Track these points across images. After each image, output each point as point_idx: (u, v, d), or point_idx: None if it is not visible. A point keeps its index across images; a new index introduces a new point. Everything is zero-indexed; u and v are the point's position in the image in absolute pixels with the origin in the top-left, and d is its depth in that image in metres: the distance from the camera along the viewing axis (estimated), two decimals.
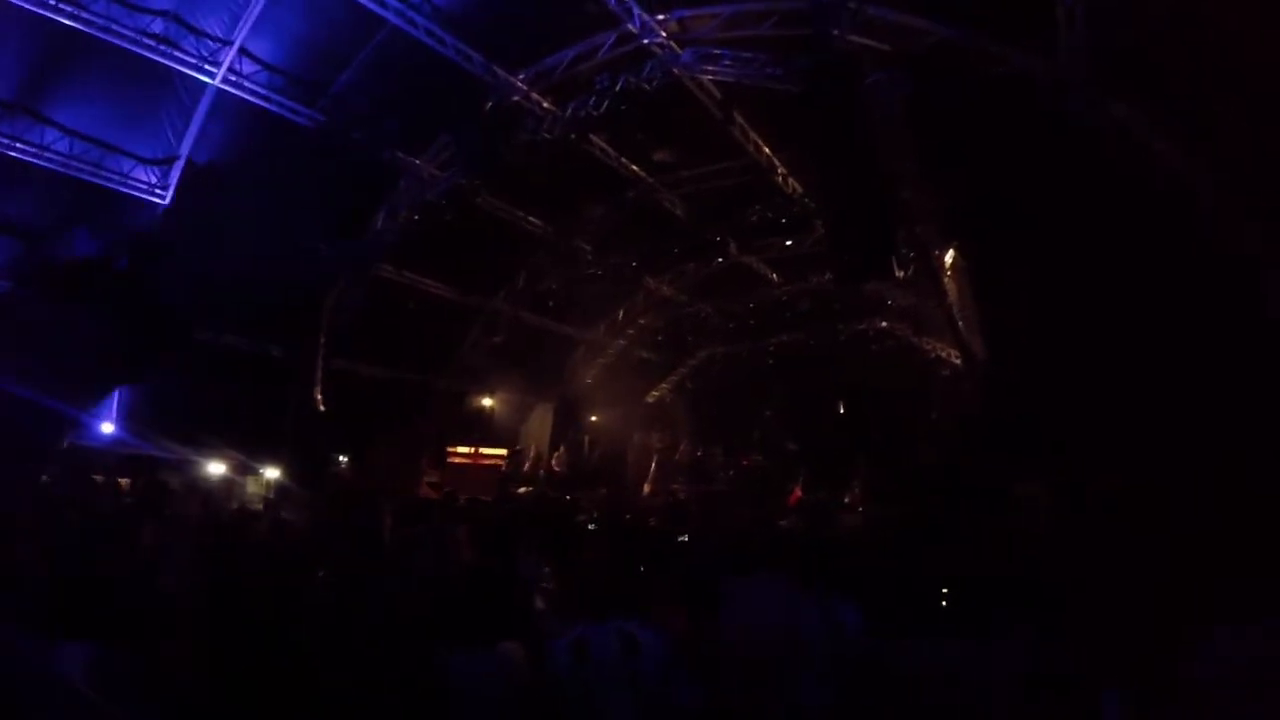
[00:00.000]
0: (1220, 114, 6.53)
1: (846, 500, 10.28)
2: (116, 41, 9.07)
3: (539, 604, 4.09)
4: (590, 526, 6.27)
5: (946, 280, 11.74)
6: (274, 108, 10.48)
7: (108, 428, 12.18)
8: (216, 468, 13.15)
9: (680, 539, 5.45)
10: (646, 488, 13.02)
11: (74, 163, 10.20)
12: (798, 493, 10.81)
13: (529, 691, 2.77)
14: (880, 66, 8.30)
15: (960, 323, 11.21)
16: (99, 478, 11.05)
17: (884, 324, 16.12)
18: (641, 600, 2.96)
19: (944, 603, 4.57)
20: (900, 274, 11.17)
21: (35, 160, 9.86)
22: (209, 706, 2.68)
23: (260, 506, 11.71)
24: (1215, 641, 1.50)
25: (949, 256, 11.65)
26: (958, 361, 12.69)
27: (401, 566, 4.05)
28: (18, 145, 9.65)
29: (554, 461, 15.58)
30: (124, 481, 11.39)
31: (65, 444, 11.91)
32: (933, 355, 15.19)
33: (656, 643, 2.71)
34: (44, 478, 10.19)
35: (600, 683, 2.70)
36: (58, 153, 10.01)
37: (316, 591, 3.45)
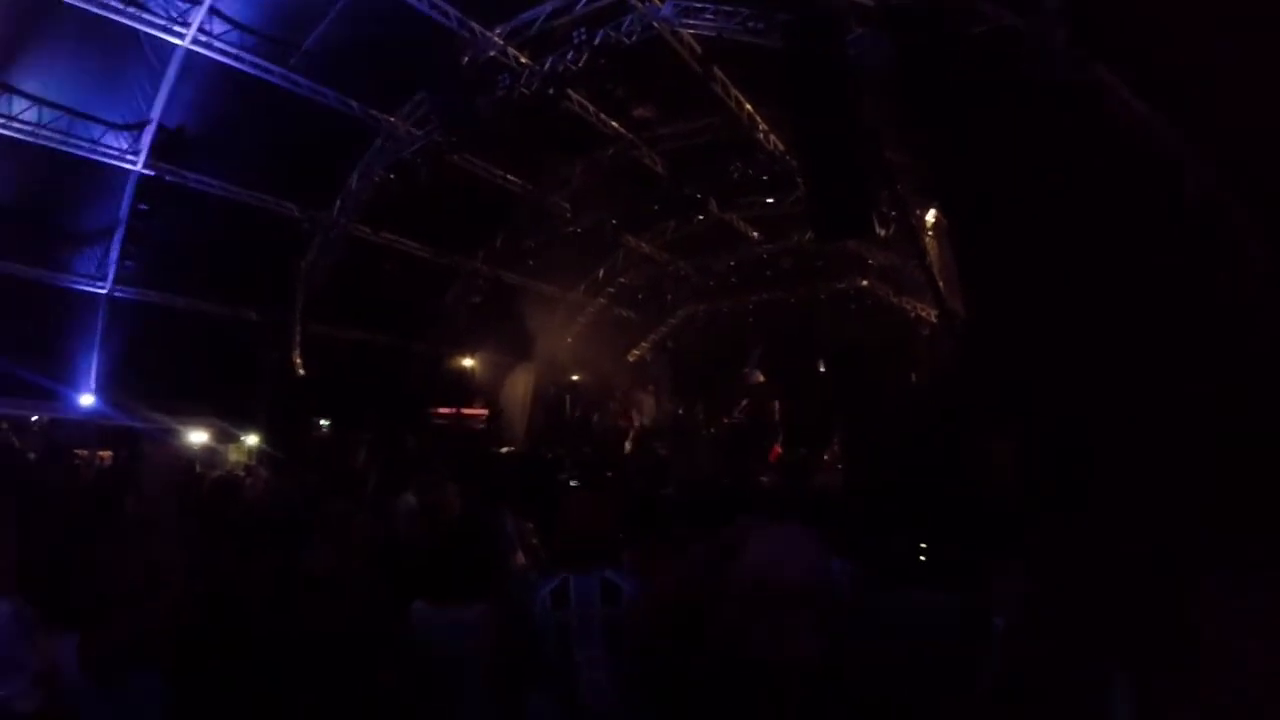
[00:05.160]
0: (1207, 79, 6.48)
1: (825, 458, 10.34)
2: (83, 5, 8.80)
3: (521, 560, 4.12)
4: (572, 484, 6.29)
5: (928, 240, 11.73)
6: (246, 67, 10.22)
7: (87, 399, 11.97)
8: (199, 436, 13.05)
9: (663, 494, 5.49)
10: (628, 446, 13.06)
11: (43, 132, 10.01)
12: (777, 450, 10.87)
13: (499, 650, 2.80)
14: (864, 23, 8.20)
15: (941, 283, 11.21)
16: (82, 452, 10.93)
17: (864, 283, 16.12)
18: (623, 554, 2.98)
19: (922, 558, 4.63)
20: (882, 232, 11.17)
21: (3, 131, 9.64)
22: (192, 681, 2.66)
23: (242, 474, 11.63)
24: (1209, 595, 1.41)
25: (930, 216, 11.63)
26: (937, 321, 12.74)
27: (388, 524, 4.06)
28: None
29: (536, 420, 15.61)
30: (105, 454, 11.26)
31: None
32: (913, 315, 15.23)
33: (637, 592, 2.74)
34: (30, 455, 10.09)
35: (577, 625, 2.74)
36: (25, 122, 9.80)
37: (297, 551, 3.44)
